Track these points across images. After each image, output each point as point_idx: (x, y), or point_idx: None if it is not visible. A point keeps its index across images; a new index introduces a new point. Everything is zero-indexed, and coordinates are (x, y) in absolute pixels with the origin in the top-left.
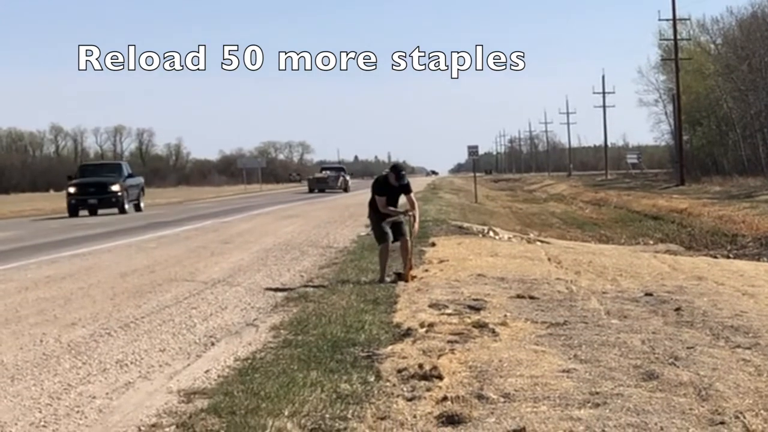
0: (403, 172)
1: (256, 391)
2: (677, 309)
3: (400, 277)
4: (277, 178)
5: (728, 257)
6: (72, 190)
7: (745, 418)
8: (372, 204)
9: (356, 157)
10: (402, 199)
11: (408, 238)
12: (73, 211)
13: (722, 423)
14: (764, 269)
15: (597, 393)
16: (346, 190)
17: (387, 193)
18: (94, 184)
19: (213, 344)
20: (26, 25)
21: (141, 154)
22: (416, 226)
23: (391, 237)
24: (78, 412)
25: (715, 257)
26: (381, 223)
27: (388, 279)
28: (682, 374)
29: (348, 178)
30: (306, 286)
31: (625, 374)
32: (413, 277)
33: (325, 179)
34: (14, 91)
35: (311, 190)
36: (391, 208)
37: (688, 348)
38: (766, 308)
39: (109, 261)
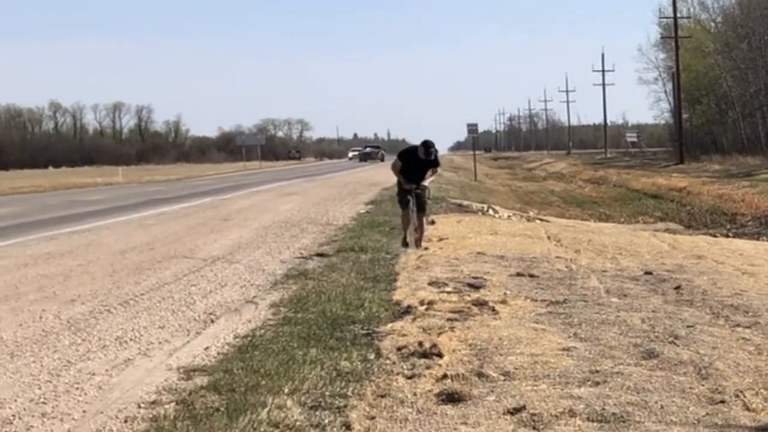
0: (432, 149)
1: (255, 368)
2: (677, 288)
3: (417, 244)
4: (276, 155)
5: (728, 236)
6: None
7: (745, 396)
8: (394, 168)
9: (355, 135)
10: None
11: (424, 213)
12: None
13: (722, 402)
14: (764, 248)
15: (597, 371)
16: (382, 160)
17: (409, 162)
18: None
19: (212, 321)
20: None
21: (140, 130)
22: (430, 180)
23: (411, 205)
24: (77, 388)
25: (715, 236)
26: (404, 192)
27: (407, 242)
28: (682, 353)
29: (383, 153)
30: (306, 262)
31: (625, 353)
32: (425, 248)
33: (370, 153)
34: (13, 66)
35: (362, 160)
36: (404, 178)
37: (687, 327)
38: (765, 287)
39: (108, 238)
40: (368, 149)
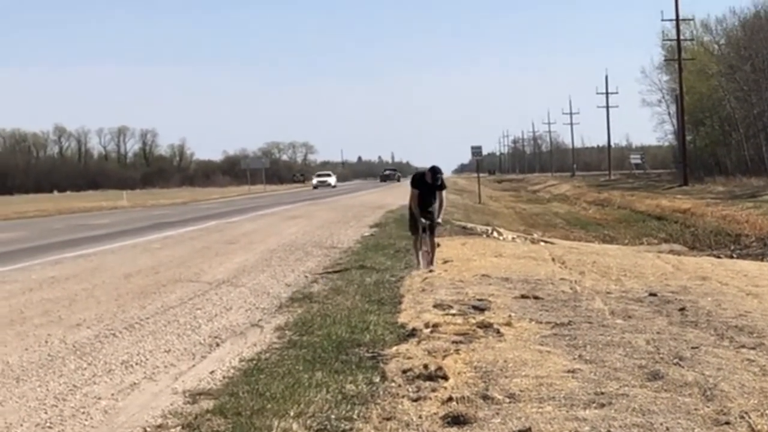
0: (439, 174)
1: (261, 391)
2: (681, 309)
3: (430, 264)
4: (281, 178)
5: (732, 257)
6: None
7: (750, 418)
8: (410, 201)
9: (359, 158)
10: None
11: (434, 238)
12: None
13: (727, 423)
14: None
15: (602, 393)
16: (398, 180)
17: (421, 188)
18: None
19: (218, 345)
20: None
21: (144, 154)
22: (442, 212)
23: (421, 231)
24: (83, 413)
25: (719, 257)
26: (416, 219)
27: (420, 265)
28: (687, 374)
29: (399, 174)
30: (311, 285)
31: (630, 374)
32: (430, 270)
33: (389, 175)
34: (18, 91)
35: (382, 181)
36: (417, 212)
37: (692, 348)
38: None
39: (113, 262)
40: (387, 172)
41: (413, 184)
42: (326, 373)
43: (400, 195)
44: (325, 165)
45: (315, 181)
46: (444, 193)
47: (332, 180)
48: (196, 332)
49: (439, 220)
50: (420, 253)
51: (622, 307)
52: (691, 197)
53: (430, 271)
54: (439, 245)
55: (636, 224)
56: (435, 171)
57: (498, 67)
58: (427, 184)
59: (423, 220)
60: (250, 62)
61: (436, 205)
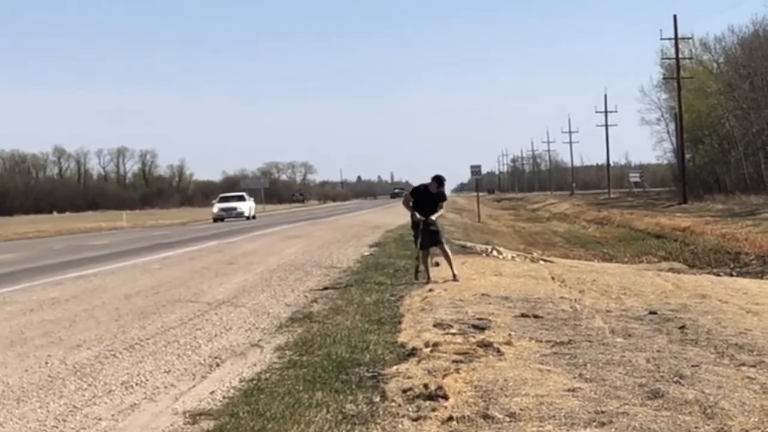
0: (443, 182)
1: (261, 411)
2: (681, 327)
3: (455, 278)
4: (280, 198)
5: (731, 275)
6: None
7: None
8: (405, 205)
9: (359, 177)
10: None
11: (443, 242)
12: None
13: None
14: None
15: (602, 412)
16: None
17: (419, 197)
18: None
19: (218, 365)
20: (28, 47)
21: (144, 175)
22: (440, 212)
23: (426, 244)
24: None
25: (719, 275)
26: (418, 232)
27: (426, 275)
28: (688, 392)
29: (406, 193)
30: (311, 305)
31: (631, 393)
32: (430, 290)
33: (399, 194)
34: (17, 113)
35: (392, 198)
36: (414, 211)
37: (692, 366)
38: None
39: (113, 282)
40: (396, 190)
41: (412, 194)
42: (326, 393)
43: (398, 215)
44: (324, 185)
45: (216, 209)
46: (443, 204)
47: (245, 206)
48: (196, 352)
49: (433, 218)
50: (427, 266)
51: (622, 326)
52: (690, 215)
53: (455, 280)
54: (438, 264)
55: (635, 242)
56: (440, 179)
57: (497, 87)
58: (429, 194)
59: (417, 215)
60: (249, 82)
61: (434, 213)
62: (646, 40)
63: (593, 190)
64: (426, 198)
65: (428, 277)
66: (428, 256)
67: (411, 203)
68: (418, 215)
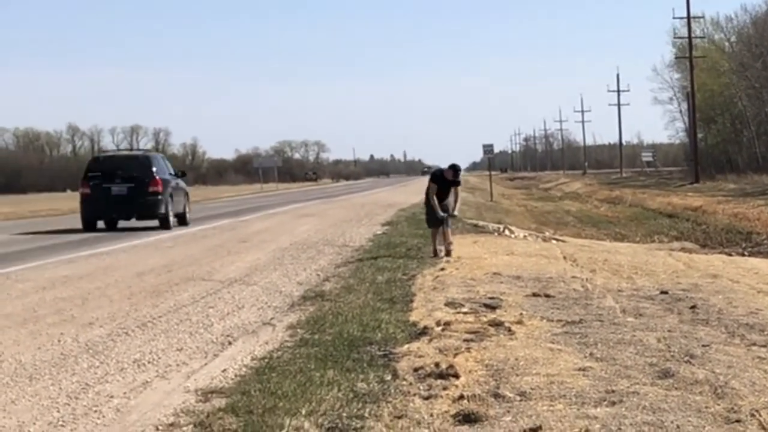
0: (459, 171)
1: (273, 390)
2: (692, 307)
3: (448, 254)
4: (293, 177)
5: (743, 255)
6: None
7: (761, 416)
8: (428, 193)
9: (372, 156)
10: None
11: (449, 229)
12: None
13: (738, 421)
14: None
15: (613, 391)
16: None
17: (439, 183)
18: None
19: (230, 343)
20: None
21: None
22: (457, 206)
23: (439, 223)
24: (96, 411)
25: (730, 255)
26: (432, 212)
27: (440, 253)
28: (698, 372)
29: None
30: (323, 284)
31: (641, 372)
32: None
33: (426, 172)
34: (31, 91)
35: (423, 174)
36: (436, 204)
37: (703, 346)
38: None
39: (125, 260)
40: (425, 170)
41: (433, 180)
42: (338, 372)
43: (410, 193)
44: (338, 164)
45: None
46: (459, 188)
47: None
48: (209, 330)
49: (456, 213)
50: (437, 242)
51: (633, 305)
52: (702, 195)
53: (447, 261)
54: (451, 243)
55: (647, 222)
56: (456, 168)
57: (509, 66)
58: (446, 181)
59: (442, 213)
60: (262, 61)
61: (451, 199)
62: (658, 19)
63: (605, 170)
64: (442, 184)
65: (435, 251)
66: (437, 233)
67: (435, 191)
68: (441, 212)
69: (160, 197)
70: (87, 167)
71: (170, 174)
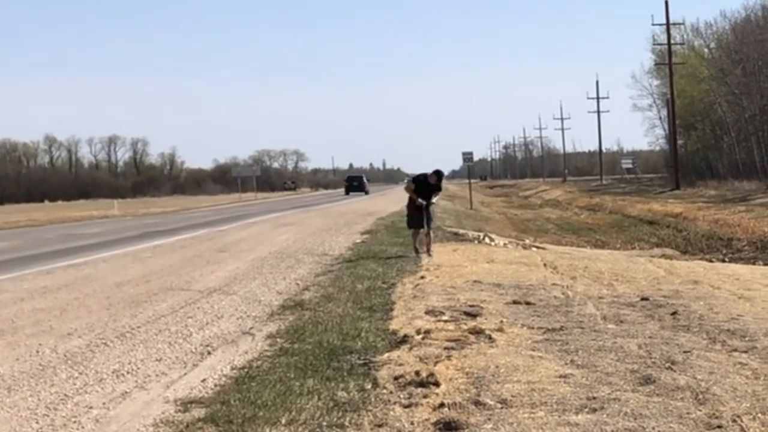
0: (442, 176)
1: (252, 399)
2: (673, 313)
3: (428, 252)
4: (272, 186)
5: (724, 261)
6: None
7: (742, 421)
8: (407, 191)
9: (351, 165)
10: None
11: (430, 230)
12: None
13: (719, 427)
14: (760, 273)
15: (594, 398)
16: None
17: (419, 186)
18: None
19: (209, 353)
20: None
21: (135, 163)
22: (436, 198)
23: (419, 225)
24: (75, 422)
25: (711, 261)
26: (413, 215)
27: (420, 250)
28: (679, 378)
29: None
30: (302, 293)
31: (622, 379)
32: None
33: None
34: (8, 101)
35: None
36: (416, 197)
37: (684, 352)
38: (762, 312)
39: (104, 271)
40: (409, 177)
41: (413, 180)
42: (318, 381)
43: (389, 202)
44: (316, 173)
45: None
46: (438, 193)
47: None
48: (188, 341)
49: (434, 201)
50: (417, 243)
51: (614, 312)
52: (682, 201)
53: (430, 256)
54: (431, 243)
55: (628, 229)
56: (440, 174)
57: (488, 73)
58: (428, 185)
59: (420, 200)
60: (240, 71)
61: (433, 199)
62: (638, 26)
63: (585, 177)
64: (424, 187)
65: (416, 250)
66: (417, 234)
67: (413, 189)
68: (420, 200)
69: None
70: None
71: None
